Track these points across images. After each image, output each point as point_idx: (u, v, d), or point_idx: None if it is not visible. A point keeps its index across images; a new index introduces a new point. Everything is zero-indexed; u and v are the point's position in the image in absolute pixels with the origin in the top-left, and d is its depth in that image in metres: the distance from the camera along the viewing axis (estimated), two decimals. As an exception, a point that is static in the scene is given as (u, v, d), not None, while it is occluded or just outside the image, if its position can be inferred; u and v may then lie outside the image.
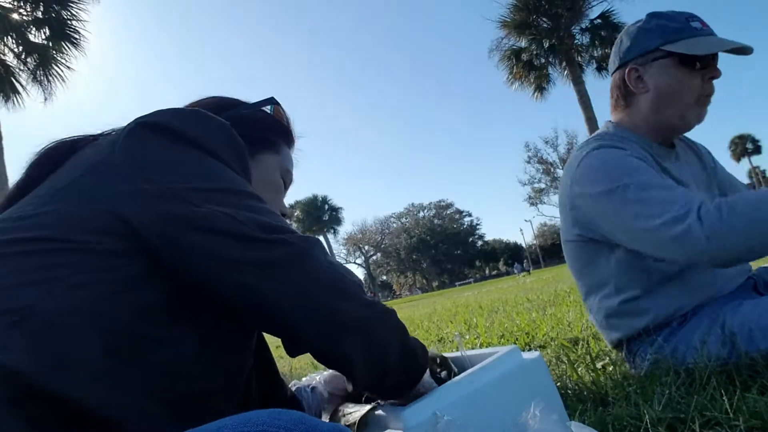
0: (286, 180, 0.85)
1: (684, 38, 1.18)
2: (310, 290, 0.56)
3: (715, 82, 1.23)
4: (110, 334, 0.50)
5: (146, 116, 0.63)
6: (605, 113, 1.41)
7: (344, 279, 0.59)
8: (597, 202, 1.15)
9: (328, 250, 0.62)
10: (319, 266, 0.57)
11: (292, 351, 0.62)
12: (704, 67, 1.19)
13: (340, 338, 0.58)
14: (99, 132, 0.69)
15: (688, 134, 1.41)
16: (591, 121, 15.48)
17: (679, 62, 1.20)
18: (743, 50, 1.17)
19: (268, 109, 0.84)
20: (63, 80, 10.83)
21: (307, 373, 2.08)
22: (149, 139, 0.60)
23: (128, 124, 0.62)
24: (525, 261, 44.10)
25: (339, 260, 0.70)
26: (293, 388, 0.99)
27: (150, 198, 0.56)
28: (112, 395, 0.48)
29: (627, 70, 1.26)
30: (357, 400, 0.91)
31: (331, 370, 1.03)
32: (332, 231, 54.78)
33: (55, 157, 0.65)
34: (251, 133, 0.77)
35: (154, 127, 0.61)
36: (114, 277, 0.53)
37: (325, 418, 0.95)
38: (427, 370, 0.73)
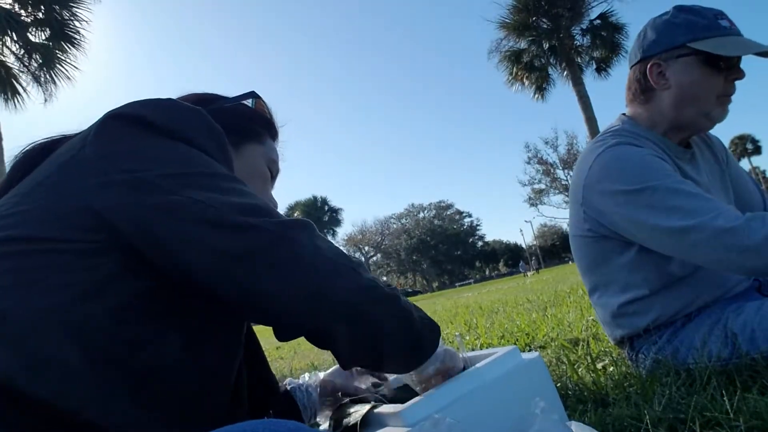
0: (273, 170, 0.84)
1: (712, 37, 1.15)
2: (293, 275, 0.54)
3: None
4: (89, 336, 0.49)
5: (117, 108, 0.61)
6: (605, 114, 1.41)
7: (332, 262, 0.56)
8: (617, 200, 1.14)
9: (317, 232, 0.59)
10: (303, 250, 0.55)
11: (282, 335, 0.60)
12: (729, 67, 1.18)
13: (327, 323, 0.56)
14: (76, 131, 0.67)
15: None
16: (591, 121, 15.47)
17: (705, 61, 1.17)
18: None
19: (249, 102, 0.84)
20: (68, 79, 10.83)
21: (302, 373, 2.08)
22: (119, 130, 0.59)
23: (99, 118, 0.61)
24: (533, 259, 44.03)
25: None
26: (288, 388, 0.99)
27: (121, 189, 0.54)
28: (93, 398, 0.47)
29: (649, 65, 1.23)
30: (357, 399, 0.91)
31: (328, 371, 1.03)
32: (332, 232, 54.82)
33: (33, 158, 0.64)
34: (234, 124, 0.77)
35: (124, 119, 0.60)
36: (90, 277, 0.52)
37: (325, 418, 0.95)
38: (455, 349, 0.72)
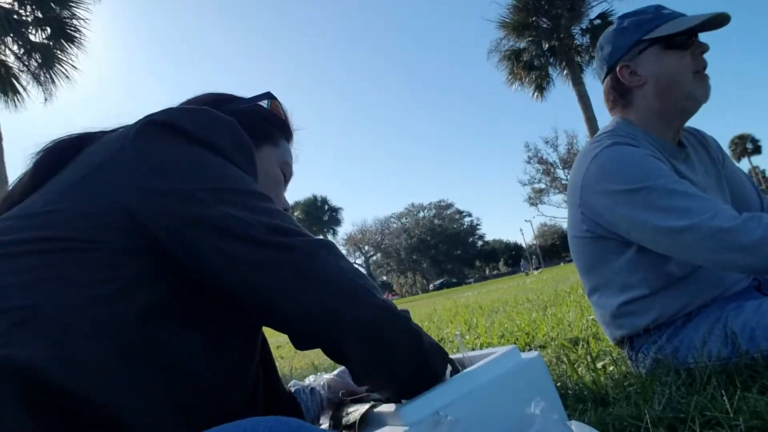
0: (286, 173, 0.85)
1: (660, 24, 1.23)
2: (316, 293, 0.56)
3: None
4: (118, 333, 0.51)
5: (156, 114, 0.63)
6: (605, 113, 1.40)
7: (353, 283, 0.59)
8: (614, 200, 1.14)
9: (340, 252, 0.62)
10: (326, 269, 0.57)
11: (299, 346, 0.62)
12: (690, 44, 1.22)
13: (343, 340, 0.58)
14: (103, 129, 0.69)
15: (697, 125, 1.43)
16: (591, 121, 15.47)
17: (666, 46, 1.23)
18: (722, 20, 1.20)
19: (264, 103, 0.84)
20: (68, 78, 10.82)
21: (307, 374, 2.08)
22: (160, 138, 0.61)
23: (138, 122, 0.63)
24: (534, 258, 43.99)
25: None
26: (292, 389, 0.99)
27: (163, 197, 0.56)
28: (122, 392, 0.48)
29: (618, 69, 1.28)
30: (356, 398, 0.90)
31: (332, 374, 1.03)
32: (332, 231, 54.85)
33: (60, 155, 0.65)
34: (250, 126, 0.77)
35: (164, 126, 0.61)
36: (122, 275, 0.53)
37: (326, 419, 0.95)
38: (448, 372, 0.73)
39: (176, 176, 0.58)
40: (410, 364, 0.64)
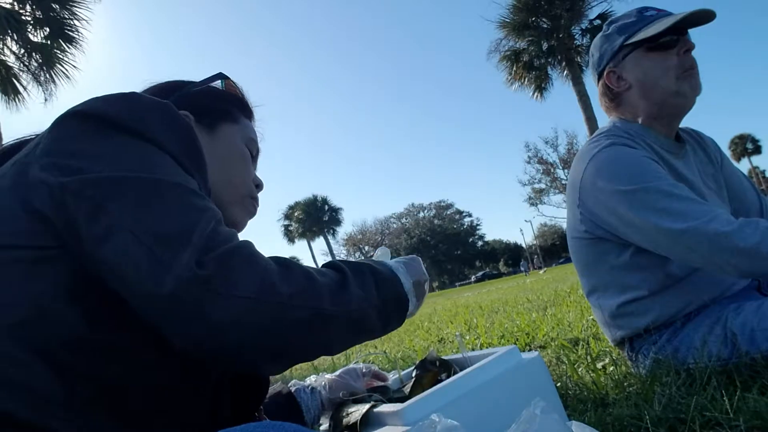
0: (252, 149, 0.82)
1: (641, 28, 1.24)
2: (207, 331, 0.47)
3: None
4: (55, 351, 0.48)
5: (78, 105, 0.58)
6: (604, 113, 1.41)
7: (255, 308, 0.48)
8: (612, 200, 1.15)
9: (253, 251, 0.52)
10: (217, 300, 0.47)
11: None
12: (673, 45, 1.23)
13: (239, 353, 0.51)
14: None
15: (696, 128, 1.43)
16: (591, 121, 15.48)
17: (648, 50, 1.25)
18: (704, 16, 1.20)
19: (218, 83, 0.82)
20: (68, 78, 10.81)
21: (306, 375, 2.08)
22: (72, 127, 0.56)
23: (59, 115, 0.58)
24: (536, 257, 43.97)
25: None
26: (292, 389, 0.99)
27: (59, 191, 0.51)
28: (69, 417, 0.47)
29: (606, 75, 1.32)
30: (357, 398, 0.91)
31: (333, 374, 1.03)
32: (332, 232, 54.78)
33: (1, 161, 0.62)
34: (205, 106, 0.76)
35: (79, 116, 0.57)
36: (44, 289, 0.49)
37: (326, 419, 0.95)
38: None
39: (83, 164, 0.52)
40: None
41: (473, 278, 59.26)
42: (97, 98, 0.59)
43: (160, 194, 0.52)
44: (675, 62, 1.22)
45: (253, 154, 0.83)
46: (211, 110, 0.77)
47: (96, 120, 0.56)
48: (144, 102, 0.60)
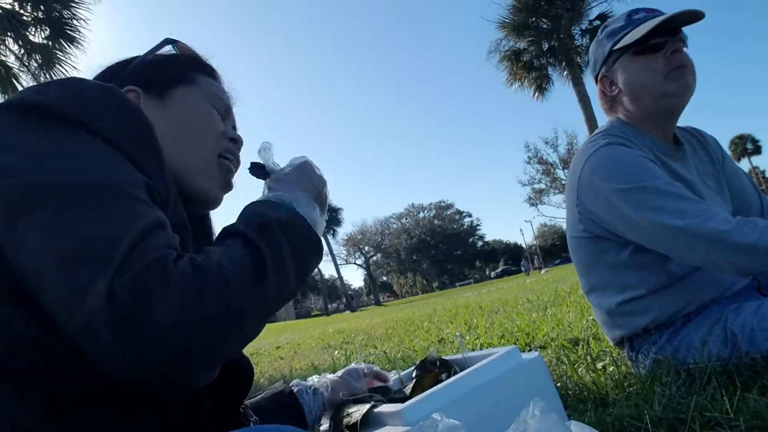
0: (218, 106, 0.77)
1: (630, 31, 1.25)
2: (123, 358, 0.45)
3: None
4: (3, 361, 0.47)
5: (13, 95, 0.56)
6: (604, 114, 1.43)
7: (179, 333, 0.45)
8: (609, 198, 1.15)
9: (166, 268, 0.47)
10: (133, 332, 0.44)
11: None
12: (661, 47, 1.22)
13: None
14: None
15: (696, 126, 1.44)
16: (591, 121, 15.48)
17: (635, 53, 1.25)
18: (691, 17, 1.19)
19: (168, 49, 0.80)
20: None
21: (307, 375, 2.08)
22: (6, 120, 0.53)
23: None
24: (536, 257, 43.95)
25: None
26: (295, 389, 0.99)
27: None
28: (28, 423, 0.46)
29: (600, 79, 1.35)
30: (357, 399, 0.91)
31: (335, 375, 1.03)
32: (332, 232, 54.76)
33: None
34: (154, 75, 0.74)
35: (16, 107, 0.54)
36: None
37: (327, 420, 0.95)
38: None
39: (7, 162, 0.49)
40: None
41: (492, 274, 59.23)
42: (36, 86, 0.56)
43: (84, 202, 0.48)
44: (661, 64, 1.22)
45: (221, 111, 0.78)
46: (160, 78, 0.74)
47: (36, 111, 0.53)
48: (87, 87, 0.57)
